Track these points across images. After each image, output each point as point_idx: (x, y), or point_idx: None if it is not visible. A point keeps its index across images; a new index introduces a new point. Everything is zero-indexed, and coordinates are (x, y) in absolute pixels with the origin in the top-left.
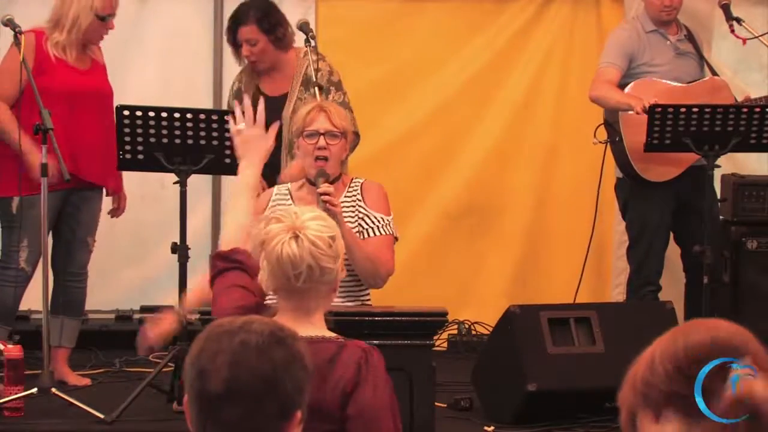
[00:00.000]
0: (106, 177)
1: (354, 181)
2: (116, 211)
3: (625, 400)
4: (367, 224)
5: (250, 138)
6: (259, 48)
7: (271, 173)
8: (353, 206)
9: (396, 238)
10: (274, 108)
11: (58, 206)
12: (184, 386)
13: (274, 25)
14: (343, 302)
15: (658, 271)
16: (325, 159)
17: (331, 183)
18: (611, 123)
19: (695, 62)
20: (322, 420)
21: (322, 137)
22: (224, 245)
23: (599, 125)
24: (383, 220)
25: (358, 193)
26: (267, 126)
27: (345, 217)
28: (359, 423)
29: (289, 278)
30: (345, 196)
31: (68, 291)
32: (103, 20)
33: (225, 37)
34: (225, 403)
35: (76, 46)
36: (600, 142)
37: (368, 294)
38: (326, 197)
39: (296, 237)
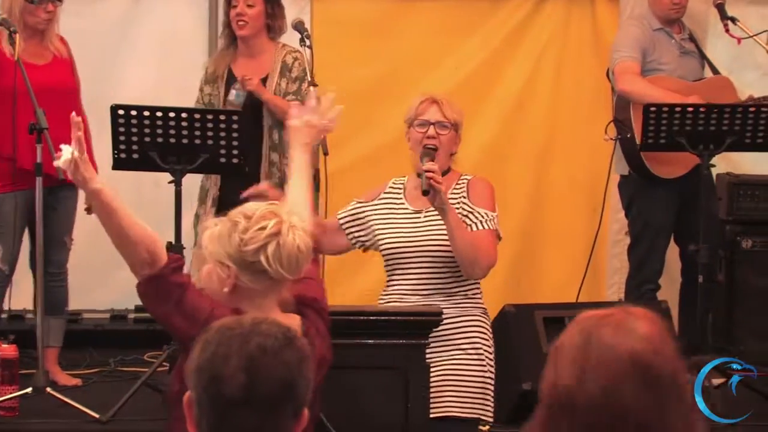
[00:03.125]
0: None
1: (462, 177)
2: (90, 209)
3: None
4: (471, 220)
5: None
6: (254, 12)
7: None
8: (458, 202)
9: (499, 236)
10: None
11: (29, 205)
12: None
13: (276, 1)
14: (454, 298)
15: (659, 270)
16: (435, 149)
17: (441, 176)
18: (621, 120)
19: (697, 62)
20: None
21: (432, 127)
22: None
23: (610, 122)
24: (487, 215)
25: (464, 190)
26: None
27: None
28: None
29: (301, 269)
30: (452, 192)
31: (50, 291)
32: (33, 2)
33: None
34: (243, 408)
35: (26, 38)
36: (611, 138)
37: (465, 290)
38: (430, 174)
39: (301, 230)
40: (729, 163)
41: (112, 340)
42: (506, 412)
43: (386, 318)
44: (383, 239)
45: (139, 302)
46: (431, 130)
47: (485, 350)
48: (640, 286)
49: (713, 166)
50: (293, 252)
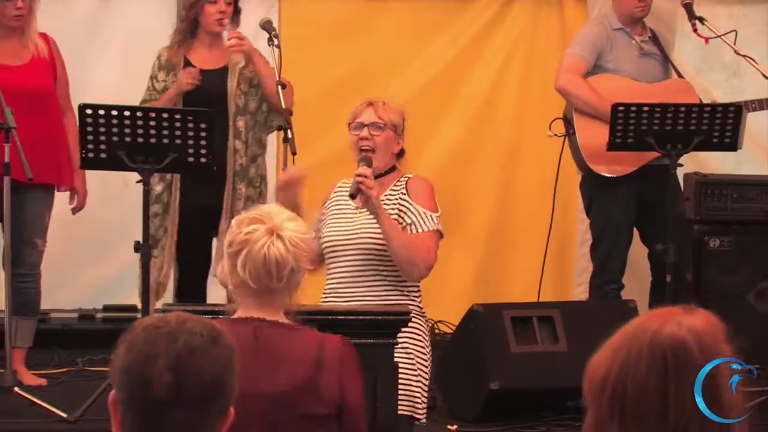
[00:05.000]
0: (50, 175)
1: (403, 176)
2: (74, 209)
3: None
4: (409, 218)
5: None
6: (230, 10)
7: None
8: (396, 199)
9: (441, 234)
10: (208, 80)
11: None
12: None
13: None
14: (388, 294)
15: (621, 269)
16: (371, 150)
17: (383, 175)
18: (568, 117)
19: (659, 64)
20: (321, 404)
21: (366, 128)
22: None
23: (555, 119)
24: (426, 215)
25: (403, 188)
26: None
27: (386, 209)
28: (349, 413)
29: (272, 277)
30: (390, 190)
31: (21, 291)
32: None
33: None
34: (171, 408)
35: (2, 38)
36: (555, 135)
37: (402, 288)
38: (360, 178)
39: (280, 238)
40: (696, 162)
41: (79, 340)
42: (475, 412)
43: (354, 317)
44: (322, 235)
45: (106, 302)
46: (365, 132)
47: (415, 350)
48: (603, 286)
49: (681, 165)
50: (259, 261)
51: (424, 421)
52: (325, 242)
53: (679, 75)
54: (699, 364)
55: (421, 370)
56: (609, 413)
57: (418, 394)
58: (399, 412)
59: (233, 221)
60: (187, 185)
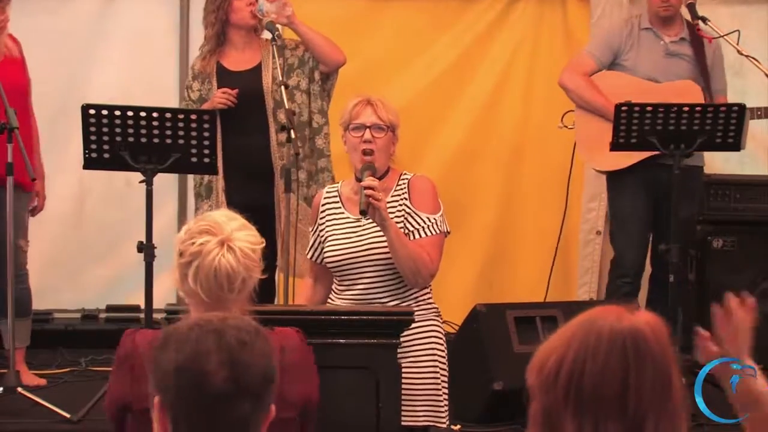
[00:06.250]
0: (24, 175)
1: (402, 177)
2: (35, 210)
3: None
4: (413, 226)
5: None
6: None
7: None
8: (400, 205)
9: (447, 233)
10: (243, 80)
11: None
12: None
13: None
14: (387, 302)
15: (632, 264)
16: (372, 152)
17: (380, 177)
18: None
19: (689, 65)
20: (287, 407)
21: (368, 130)
22: None
23: (567, 111)
24: (429, 221)
25: (405, 192)
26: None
27: (392, 215)
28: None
29: (224, 289)
30: (392, 195)
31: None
32: None
33: None
34: (230, 402)
35: None
36: (566, 127)
37: (414, 293)
38: (369, 191)
39: (231, 249)
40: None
41: (83, 340)
42: (478, 413)
43: (357, 318)
44: (327, 251)
45: (110, 302)
46: (367, 134)
47: (439, 358)
48: (616, 279)
49: (701, 166)
50: (210, 274)
51: (446, 425)
52: (333, 259)
53: (707, 77)
54: (656, 354)
55: (443, 377)
56: (563, 399)
57: (443, 402)
58: (416, 424)
59: (183, 229)
60: (230, 185)
